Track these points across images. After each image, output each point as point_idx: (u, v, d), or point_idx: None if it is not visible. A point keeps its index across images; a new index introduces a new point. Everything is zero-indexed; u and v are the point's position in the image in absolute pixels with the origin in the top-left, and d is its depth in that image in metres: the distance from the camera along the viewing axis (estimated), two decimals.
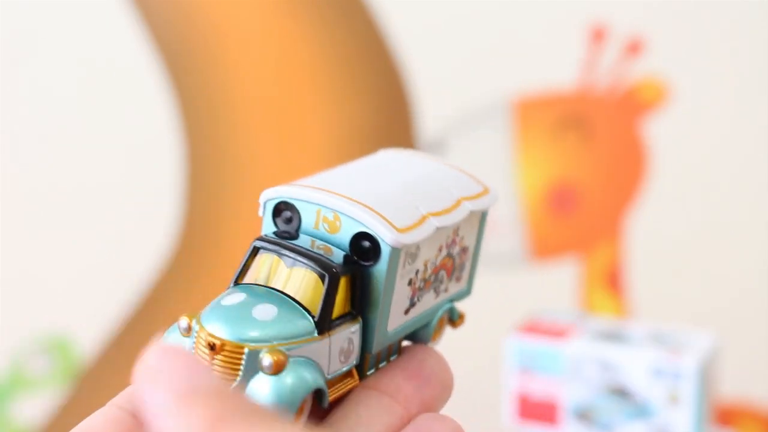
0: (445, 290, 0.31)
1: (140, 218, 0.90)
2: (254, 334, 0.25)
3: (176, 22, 0.87)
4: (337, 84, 0.87)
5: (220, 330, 0.25)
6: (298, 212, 0.29)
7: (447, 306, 0.32)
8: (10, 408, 0.92)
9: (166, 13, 0.87)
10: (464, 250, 0.31)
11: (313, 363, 0.26)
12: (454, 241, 0.30)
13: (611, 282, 0.86)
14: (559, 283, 0.87)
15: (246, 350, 0.25)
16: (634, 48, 0.82)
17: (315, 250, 0.27)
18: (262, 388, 0.25)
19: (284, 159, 0.88)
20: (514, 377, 0.65)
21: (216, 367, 0.25)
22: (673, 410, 0.61)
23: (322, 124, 0.87)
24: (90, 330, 0.91)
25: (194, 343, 0.26)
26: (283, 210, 0.29)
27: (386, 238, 0.27)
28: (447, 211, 0.29)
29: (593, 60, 0.83)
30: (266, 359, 0.25)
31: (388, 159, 0.33)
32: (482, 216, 0.32)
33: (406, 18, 0.85)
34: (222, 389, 0.21)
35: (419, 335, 0.31)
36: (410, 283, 0.29)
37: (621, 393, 0.63)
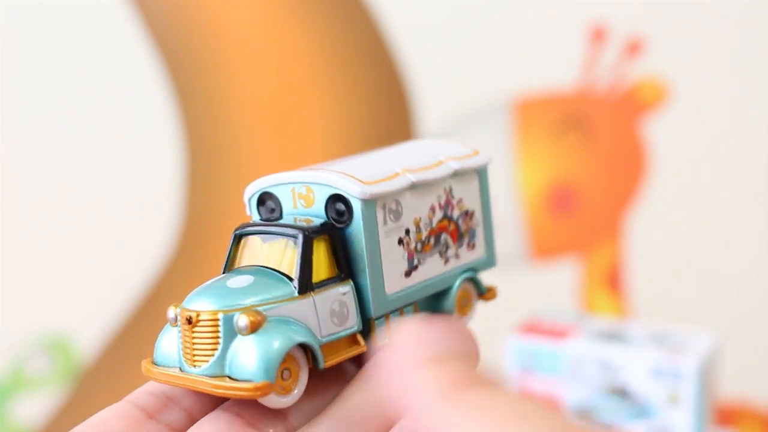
0: (456, 257, 0.31)
1: (140, 218, 0.90)
2: (227, 300, 0.26)
3: (176, 22, 0.87)
4: (337, 83, 0.87)
5: (195, 304, 0.26)
6: (277, 199, 0.30)
7: (466, 275, 0.32)
8: (10, 408, 0.92)
9: (166, 13, 0.87)
10: (468, 214, 0.32)
11: (295, 321, 0.26)
12: (449, 203, 0.31)
13: (611, 282, 0.86)
14: (559, 283, 0.87)
15: (220, 315, 0.26)
16: (634, 48, 0.82)
17: (291, 223, 0.28)
18: (243, 347, 0.25)
19: (284, 158, 0.88)
20: (514, 377, 0.65)
21: (197, 340, 0.26)
22: (673, 410, 0.61)
23: (321, 123, 0.87)
24: (90, 330, 0.91)
25: (179, 327, 0.26)
26: (265, 201, 0.30)
27: (352, 190, 0.27)
28: (426, 168, 0.30)
29: (593, 60, 0.83)
30: (241, 320, 0.25)
31: (393, 145, 0.33)
32: (481, 179, 0.32)
33: (406, 18, 0.85)
34: (468, 357, 0.22)
35: (441, 307, 0.31)
36: (401, 242, 0.29)
37: (621, 393, 0.63)
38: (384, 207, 0.28)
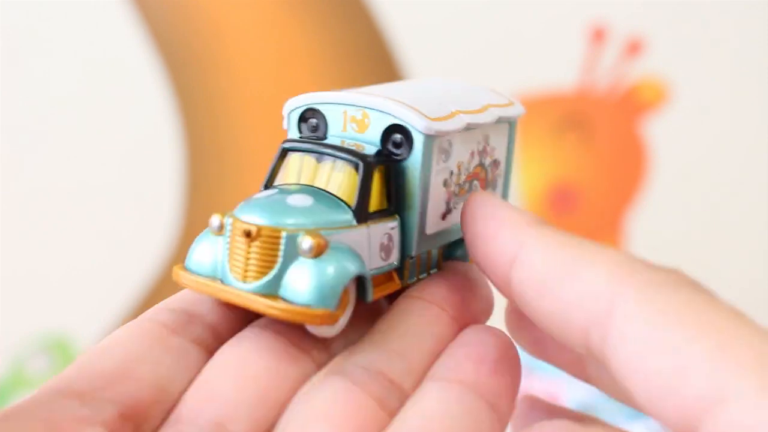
0: None
1: (140, 217, 0.90)
2: (291, 219, 0.25)
3: (176, 21, 0.87)
4: (337, 83, 0.87)
5: (255, 218, 0.25)
6: (323, 117, 0.28)
7: None
8: None
9: (166, 12, 0.87)
10: (495, 163, 0.31)
11: (353, 250, 0.26)
12: (485, 150, 0.30)
13: None
14: None
15: (284, 234, 0.25)
16: (634, 48, 0.82)
17: (348, 147, 0.27)
18: (303, 272, 0.24)
19: None
20: None
21: (253, 256, 0.25)
22: None
23: None
24: (90, 330, 0.91)
25: (228, 238, 0.25)
26: (308, 118, 0.29)
27: (418, 125, 0.26)
28: (476, 111, 0.29)
29: (593, 60, 0.83)
30: (306, 242, 0.24)
31: (424, 79, 0.33)
32: (510, 130, 0.32)
33: (406, 18, 0.85)
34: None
35: (456, 254, 0.30)
36: (445, 184, 0.28)
37: None
38: (439, 147, 0.28)
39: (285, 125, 0.29)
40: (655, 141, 0.83)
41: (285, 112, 0.29)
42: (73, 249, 0.91)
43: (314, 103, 0.28)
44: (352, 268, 0.25)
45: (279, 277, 0.24)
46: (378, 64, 0.86)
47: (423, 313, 0.27)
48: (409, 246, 0.28)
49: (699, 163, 0.83)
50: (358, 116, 0.28)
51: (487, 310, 0.29)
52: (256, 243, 0.25)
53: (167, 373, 0.24)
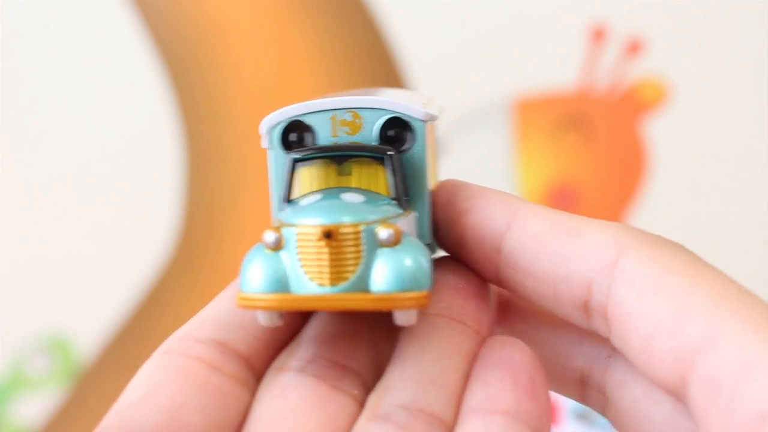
0: None
1: (141, 217, 0.90)
2: (360, 214, 0.24)
3: (176, 21, 0.87)
4: (337, 83, 0.87)
5: (326, 219, 0.24)
6: (311, 129, 0.27)
7: None
8: (10, 408, 0.92)
9: (166, 12, 0.87)
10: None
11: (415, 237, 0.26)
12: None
13: None
14: None
15: (362, 228, 0.24)
16: (634, 48, 0.82)
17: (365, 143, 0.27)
18: (391, 260, 0.24)
19: None
20: None
21: (337, 256, 0.24)
22: None
23: None
24: (90, 330, 0.91)
25: (296, 247, 0.24)
26: (289, 133, 0.28)
27: (417, 114, 0.26)
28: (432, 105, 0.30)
29: (593, 60, 0.83)
30: (385, 232, 0.24)
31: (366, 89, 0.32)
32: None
33: (406, 17, 0.85)
34: None
35: None
36: None
37: None
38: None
39: (264, 144, 0.28)
40: (655, 141, 0.83)
41: (263, 130, 0.27)
42: (73, 249, 0.91)
43: (298, 114, 0.27)
44: (427, 251, 0.25)
45: (366, 272, 0.24)
46: (378, 64, 0.86)
47: (447, 332, 0.25)
48: (424, 234, 0.27)
49: (699, 162, 0.83)
50: (348, 118, 0.27)
51: (494, 310, 0.28)
52: (338, 242, 0.24)
53: (217, 421, 0.23)
